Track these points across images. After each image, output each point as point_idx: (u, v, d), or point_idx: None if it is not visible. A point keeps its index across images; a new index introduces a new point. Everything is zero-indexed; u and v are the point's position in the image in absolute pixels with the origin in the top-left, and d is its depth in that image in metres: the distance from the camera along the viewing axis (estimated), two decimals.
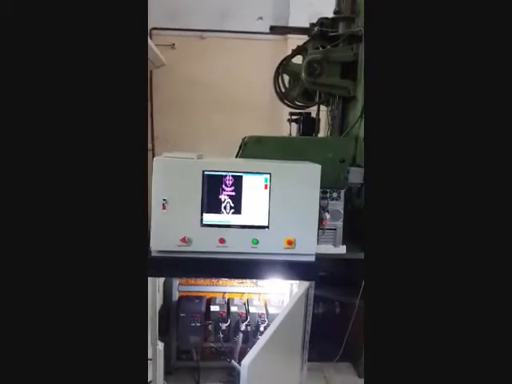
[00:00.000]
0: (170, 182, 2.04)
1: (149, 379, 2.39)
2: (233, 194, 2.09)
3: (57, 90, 1.06)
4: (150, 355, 2.30)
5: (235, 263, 2.14)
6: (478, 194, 1.08)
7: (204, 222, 2.09)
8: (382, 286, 1.13)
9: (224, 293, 2.67)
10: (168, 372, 2.59)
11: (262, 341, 1.60)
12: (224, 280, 2.64)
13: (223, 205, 2.10)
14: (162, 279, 2.47)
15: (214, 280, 2.64)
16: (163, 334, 2.45)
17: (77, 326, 1.06)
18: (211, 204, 2.09)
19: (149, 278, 2.21)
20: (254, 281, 2.61)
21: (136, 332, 1.11)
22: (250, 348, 1.66)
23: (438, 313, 1.08)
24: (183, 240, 2.07)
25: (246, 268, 2.16)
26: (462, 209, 1.08)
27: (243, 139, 2.79)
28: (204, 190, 2.07)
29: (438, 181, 1.10)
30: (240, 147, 2.77)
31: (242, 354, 2.24)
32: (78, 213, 1.07)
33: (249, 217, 2.11)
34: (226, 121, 5.08)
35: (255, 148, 2.75)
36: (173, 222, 2.07)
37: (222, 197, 2.09)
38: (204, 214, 2.09)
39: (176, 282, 2.63)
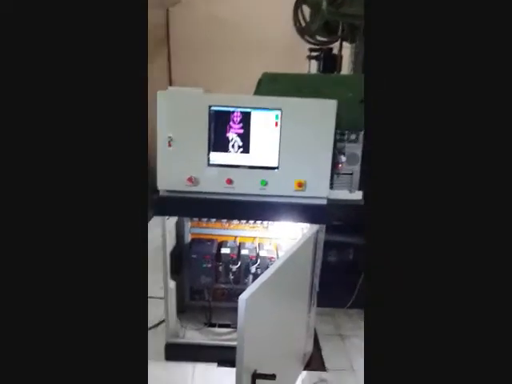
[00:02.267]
0: (175, 117, 1.94)
1: (162, 318, 2.46)
2: (241, 131, 1.98)
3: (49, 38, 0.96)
4: (162, 294, 2.35)
5: (243, 205, 2.07)
6: (479, 170, 0.96)
7: (211, 162, 2.01)
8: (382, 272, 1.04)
9: (235, 237, 2.64)
10: (181, 311, 2.65)
11: (263, 277, 1.54)
12: (235, 223, 2.59)
13: (231, 143, 1.99)
14: (173, 221, 2.46)
15: (226, 224, 2.60)
16: (177, 274, 2.48)
17: (76, 279, 1.01)
18: (218, 142, 1.98)
19: (158, 218, 2.19)
20: (265, 225, 2.55)
21: (137, 273, 1.06)
22: None
23: (440, 300, 1.00)
24: (190, 180, 2.01)
25: (254, 210, 2.09)
26: (465, 181, 0.97)
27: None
28: (211, 128, 1.96)
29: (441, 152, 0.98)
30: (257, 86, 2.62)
31: None
32: (78, 155, 1.00)
33: (257, 157, 2.01)
34: (245, 60, 4.84)
35: (271, 86, 2.59)
36: (179, 160, 1.99)
37: (230, 135, 1.98)
38: (211, 153, 2.00)
39: (188, 224, 2.61)
